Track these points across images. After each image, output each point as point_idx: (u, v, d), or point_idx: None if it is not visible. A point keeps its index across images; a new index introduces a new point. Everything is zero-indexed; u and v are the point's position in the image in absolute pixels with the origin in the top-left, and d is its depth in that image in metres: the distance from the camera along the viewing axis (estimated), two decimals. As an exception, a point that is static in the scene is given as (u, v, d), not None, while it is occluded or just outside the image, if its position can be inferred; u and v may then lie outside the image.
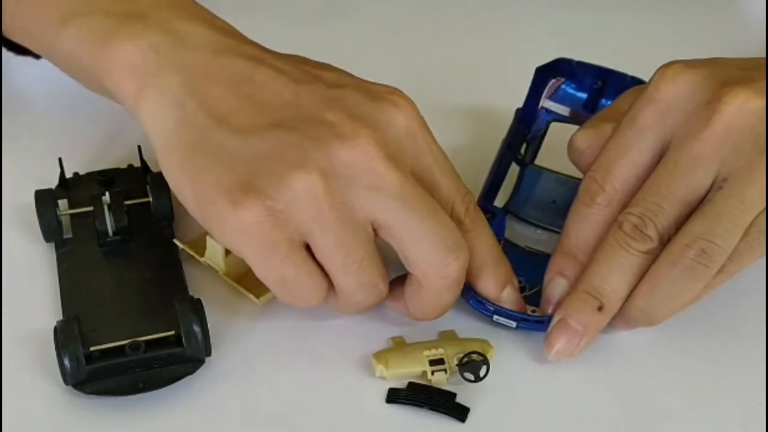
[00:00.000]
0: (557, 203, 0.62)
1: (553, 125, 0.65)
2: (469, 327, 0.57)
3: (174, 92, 0.54)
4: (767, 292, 0.59)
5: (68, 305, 0.56)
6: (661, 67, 0.56)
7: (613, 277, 0.54)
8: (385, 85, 0.55)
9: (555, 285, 0.56)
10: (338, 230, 0.51)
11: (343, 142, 0.51)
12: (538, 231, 0.61)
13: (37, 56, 0.65)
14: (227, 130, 0.52)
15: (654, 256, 0.53)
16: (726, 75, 0.55)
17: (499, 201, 0.62)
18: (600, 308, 0.54)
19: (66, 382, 0.52)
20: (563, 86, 0.64)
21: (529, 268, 0.58)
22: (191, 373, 0.53)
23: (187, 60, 0.55)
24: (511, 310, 0.56)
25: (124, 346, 0.53)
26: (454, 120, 0.67)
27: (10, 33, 0.63)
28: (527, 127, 0.64)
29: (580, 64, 0.64)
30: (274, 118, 0.53)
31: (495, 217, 0.59)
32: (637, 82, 0.63)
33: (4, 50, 0.66)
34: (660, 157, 0.55)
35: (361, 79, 0.56)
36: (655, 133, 0.55)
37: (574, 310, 0.54)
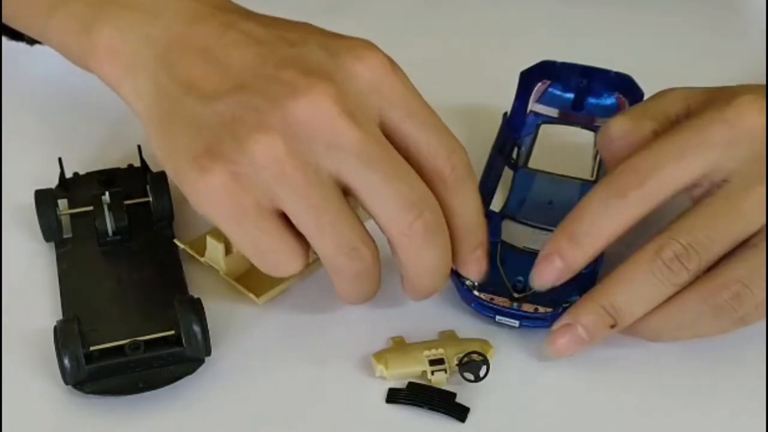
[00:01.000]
0: (554, 203, 0.62)
1: (542, 127, 0.65)
2: (469, 327, 0.57)
3: (148, 66, 0.55)
4: (767, 292, 0.58)
5: (68, 305, 0.56)
6: (745, 97, 0.53)
7: (636, 302, 0.52)
8: (355, 38, 0.54)
9: (549, 264, 0.54)
10: (304, 191, 0.51)
11: (297, 99, 0.51)
12: (537, 232, 0.61)
13: (30, 42, 0.66)
14: (195, 97, 0.53)
15: (681, 287, 0.52)
16: None
17: (496, 206, 0.62)
18: (613, 326, 0.53)
19: (66, 382, 0.52)
20: (550, 89, 0.65)
21: (528, 267, 0.57)
22: (191, 372, 0.53)
23: (162, 32, 0.55)
24: (514, 310, 0.56)
25: (124, 345, 0.53)
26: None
27: (4, 18, 0.64)
28: (517, 131, 0.65)
29: (564, 65, 0.64)
30: (237, 81, 0.53)
31: (490, 222, 0.59)
32: (621, 77, 0.63)
33: (7, 42, 0.66)
34: (704, 179, 0.53)
35: (330, 35, 0.55)
36: (719, 154, 0.52)
37: (586, 321, 0.53)
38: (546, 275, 0.54)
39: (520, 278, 0.57)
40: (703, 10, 0.80)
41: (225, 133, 0.51)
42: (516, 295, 0.57)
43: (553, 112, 0.65)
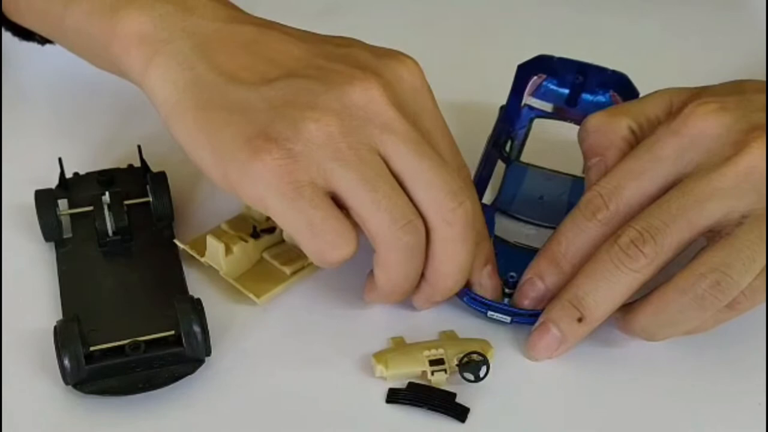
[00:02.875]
0: (544, 199, 0.62)
1: (537, 121, 0.65)
2: (469, 327, 0.57)
3: (185, 56, 0.55)
4: (767, 292, 0.58)
5: (68, 305, 0.56)
6: (693, 103, 0.55)
7: (599, 292, 0.53)
8: (391, 48, 0.56)
9: (531, 287, 0.56)
10: (359, 166, 0.52)
11: (355, 86, 0.52)
12: (527, 226, 0.61)
13: (42, 42, 0.66)
14: (239, 84, 0.53)
15: (644, 276, 0.53)
16: (758, 120, 0.54)
17: (487, 199, 0.62)
18: (580, 319, 0.54)
19: (66, 382, 0.52)
20: (545, 83, 0.65)
21: (520, 263, 0.58)
22: (191, 372, 0.53)
23: (197, 27, 0.55)
24: (505, 306, 0.56)
25: (124, 345, 0.53)
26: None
27: (15, 14, 0.64)
28: (511, 124, 0.65)
29: (561, 60, 0.64)
30: (286, 69, 0.54)
31: (484, 215, 0.59)
32: (617, 75, 0.64)
33: (7, 43, 0.66)
34: (669, 187, 0.54)
35: (368, 44, 0.57)
36: (672, 165, 0.54)
37: (554, 317, 0.54)
38: (528, 298, 0.56)
39: (513, 274, 0.57)
40: (704, 9, 0.80)
41: (276, 115, 0.52)
42: (507, 290, 0.57)
43: (547, 106, 0.66)
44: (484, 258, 0.56)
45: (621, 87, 0.64)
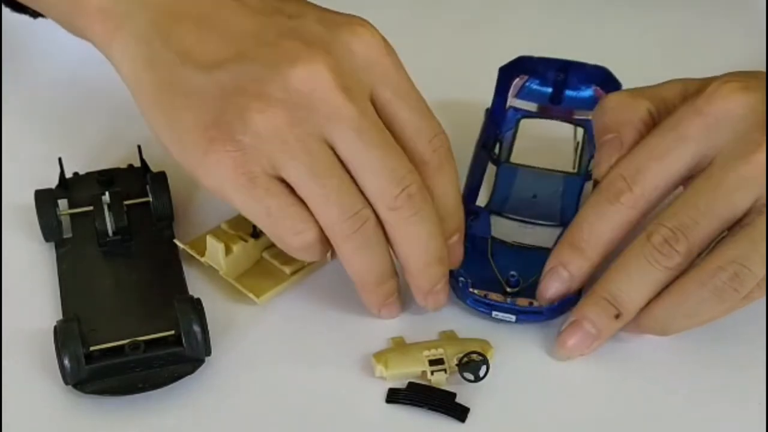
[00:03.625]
0: (538, 197, 0.62)
1: (523, 121, 0.65)
2: (469, 327, 0.57)
3: (142, 31, 0.55)
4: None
5: (68, 305, 0.56)
6: (716, 81, 0.55)
7: (634, 288, 0.53)
8: (350, 15, 0.55)
9: (555, 276, 0.55)
10: (307, 160, 0.52)
11: (298, 68, 0.52)
12: (524, 226, 0.62)
13: (34, 15, 0.66)
14: (192, 66, 0.53)
15: (677, 272, 0.53)
16: None
17: (481, 201, 0.62)
18: (617, 316, 0.54)
19: (66, 382, 0.52)
20: (527, 83, 0.65)
21: (520, 262, 0.58)
22: (191, 372, 0.53)
23: None
24: (510, 305, 0.56)
25: (123, 345, 0.53)
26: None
27: None
28: (498, 127, 0.65)
29: (541, 59, 0.65)
30: (235, 49, 0.53)
31: (479, 217, 0.60)
32: (599, 69, 0.64)
33: (7, 43, 0.66)
34: (693, 170, 0.54)
35: (326, 11, 0.56)
36: (698, 145, 0.54)
37: (591, 314, 0.54)
38: (553, 288, 0.55)
39: (513, 273, 0.57)
40: (685, 3, 0.80)
41: (227, 104, 0.52)
42: (509, 290, 0.57)
43: (532, 106, 0.66)
44: (450, 229, 0.55)
45: (603, 81, 0.64)
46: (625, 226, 0.54)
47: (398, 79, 0.55)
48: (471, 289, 0.56)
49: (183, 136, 0.53)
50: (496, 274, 0.58)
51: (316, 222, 0.53)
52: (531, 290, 0.57)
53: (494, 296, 0.57)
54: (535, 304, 0.56)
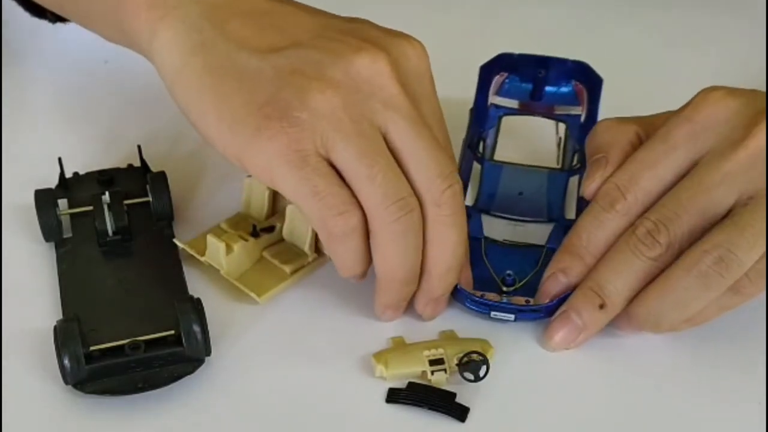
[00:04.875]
0: (524, 194, 0.63)
1: (505, 118, 0.66)
2: (469, 327, 0.57)
3: (193, 20, 0.55)
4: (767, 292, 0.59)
5: (68, 305, 0.56)
6: (703, 90, 0.56)
7: (619, 278, 0.54)
8: (401, 31, 0.57)
9: (555, 282, 0.56)
10: (358, 140, 0.52)
11: (361, 57, 0.53)
12: (513, 223, 0.62)
13: (53, 19, 0.66)
14: (247, 52, 0.54)
15: (662, 264, 0.54)
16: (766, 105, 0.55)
17: (468, 200, 0.62)
18: (601, 306, 0.54)
19: (66, 382, 0.52)
20: (507, 80, 0.65)
21: (513, 260, 0.58)
22: (191, 372, 0.53)
23: None
24: (507, 304, 0.56)
25: (124, 345, 0.53)
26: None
27: None
28: (480, 125, 0.65)
29: (521, 56, 0.65)
30: (294, 40, 0.54)
31: (470, 218, 0.60)
32: (578, 64, 0.64)
33: (8, 43, 0.66)
34: (684, 174, 0.55)
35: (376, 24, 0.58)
36: (686, 152, 0.55)
37: (576, 305, 0.55)
38: (553, 293, 0.56)
39: (510, 272, 0.57)
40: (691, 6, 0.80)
41: (283, 83, 0.53)
42: (505, 289, 0.57)
43: (513, 103, 0.66)
44: (441, 288, 0.56)
45: (582, 75, 0.64)
46: (620, 232, 0.55)
47: (436, 103, 0.57)
48: (468, 291, 0.56)
49: (234, 114, 0.53)
50: (491, 274, 0.58)
51: (361, 208, 0.53)
52: (526, 288, 0.57)
53: (491, 296, 0.57)
54: (532, 302, 0.57)
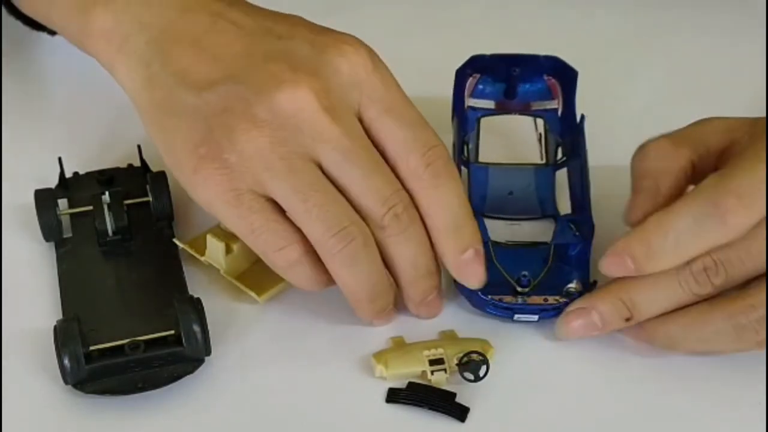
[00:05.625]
0: (514, 193, 0.63)
1: (484, 120, 0.65)
2: (469, 327, 0.57)
3: (142, 52, 0.57)
4: (767, 292, 0.58)
5: (68, 305, 0.56)
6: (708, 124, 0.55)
7: (655, 303, 0.54)
8: (340, 33, 0.56)
9: (621, 263, 0.53)
10: (289, 177, 0.53)
11: (283, 92, 0.53)
12: (509, 223, 0.62)
13: (51, 33, 0.67)
14: (186, 87, 0.55)
15: (702, 299, 0.53)
16: None
17: None
18: (627, 320, 0.54)
19: (66, 382, 0.52)
20: (480, 82, 0.65)
21: (522, 260, 0.58)
22: (191, 372, 0.53)
23: (154, 18, 0.57)
24: (529, 305, 0.56)
25: (123, 345, 0.53)
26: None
27: (25, 7, 0.66)
28: (463, 128, 0.65)
29: (493, 56, 0.64)
30: (226, 71, 0.55)
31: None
32: (551, 60, 0.63)
33: (8, 43, 0.66)
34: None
35: (318, 29, 0.57)
36: (736, 233, 0.52)
37: (604, 309, 0.54)
38: (614, 270, 0.54)
39: (525, 273, 0.57)
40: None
41: (216, 123, 0.53)
42: (520, 289, 0.57)
43: (489, 104, 0.66)
44: (462, 245, 0.55)
45: (556, 70, 0.63)
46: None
47: (387, 95, 0.55)
48: (485, 296, 0.56)
49: (176, 153, 0.55)
50: (504, 276, 0.58)
51: (303, 242, 0.53)
52: (539, 287, 0.57)
53: (508, 299, 0.57)
54: (550, 300, 0.56)
